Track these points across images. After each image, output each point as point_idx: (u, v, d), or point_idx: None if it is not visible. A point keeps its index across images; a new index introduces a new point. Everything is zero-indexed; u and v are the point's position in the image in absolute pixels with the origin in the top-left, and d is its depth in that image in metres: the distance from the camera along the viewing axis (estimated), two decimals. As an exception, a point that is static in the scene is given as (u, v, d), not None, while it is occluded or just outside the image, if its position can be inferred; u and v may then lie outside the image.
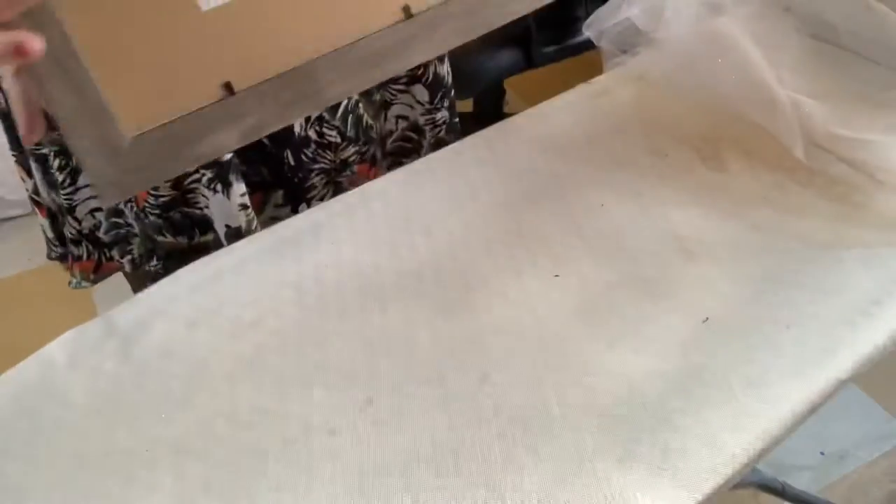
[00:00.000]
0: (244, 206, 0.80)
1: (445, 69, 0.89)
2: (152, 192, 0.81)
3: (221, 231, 0.82)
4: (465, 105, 1.82)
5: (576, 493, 0.52)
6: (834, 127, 0.85)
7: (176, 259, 0.85)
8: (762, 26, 0.98)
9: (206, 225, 0.84)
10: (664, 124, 0.78)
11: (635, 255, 0.70)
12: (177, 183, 0.81)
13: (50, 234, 0.92)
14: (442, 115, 0.89)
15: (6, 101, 0.81)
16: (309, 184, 0.84)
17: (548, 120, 0.88)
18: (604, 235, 0.71)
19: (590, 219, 0.72)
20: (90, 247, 0.91)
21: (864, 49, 0.98)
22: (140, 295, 0.69)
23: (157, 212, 0.81)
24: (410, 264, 0.68)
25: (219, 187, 0.80)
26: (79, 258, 0.92)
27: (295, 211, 0.86)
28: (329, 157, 0.84)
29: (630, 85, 0.97)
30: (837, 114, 0.86)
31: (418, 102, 0.88)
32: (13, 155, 0.88)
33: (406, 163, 0.85)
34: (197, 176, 0.81)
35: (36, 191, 0.89)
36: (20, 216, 1.87)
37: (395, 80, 0.88)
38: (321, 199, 0.86)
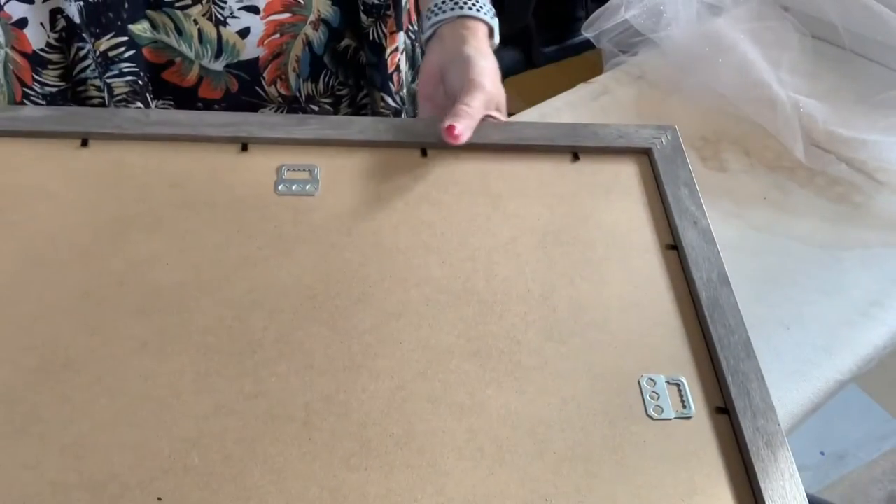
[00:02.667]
0: None
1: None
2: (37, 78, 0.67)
3: None
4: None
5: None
6: (834, 127, 0.85)
7: None
8: (762, 26, 0.98)
9: None
10: (664, 123, 0.79)
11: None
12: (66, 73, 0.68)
13: None
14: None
15: None
16: None
17: (548, 120, 0.88)
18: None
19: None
20: None
21: (864, 49, 0.98)
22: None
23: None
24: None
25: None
26: None
27: None
28: None
29: (630, 85, 0.97)
30: (837, 114, 0.86)
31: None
32: None
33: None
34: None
35: None
36: None
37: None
38: None
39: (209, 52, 0.69)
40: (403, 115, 0.82)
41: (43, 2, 0.64)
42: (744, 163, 0.83)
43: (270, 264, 0.55)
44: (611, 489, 0.44)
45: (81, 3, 0.63)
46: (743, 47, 0.91)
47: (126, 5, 0.64)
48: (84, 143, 0.62)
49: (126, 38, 0.66)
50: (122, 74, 0.67)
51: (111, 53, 0.66)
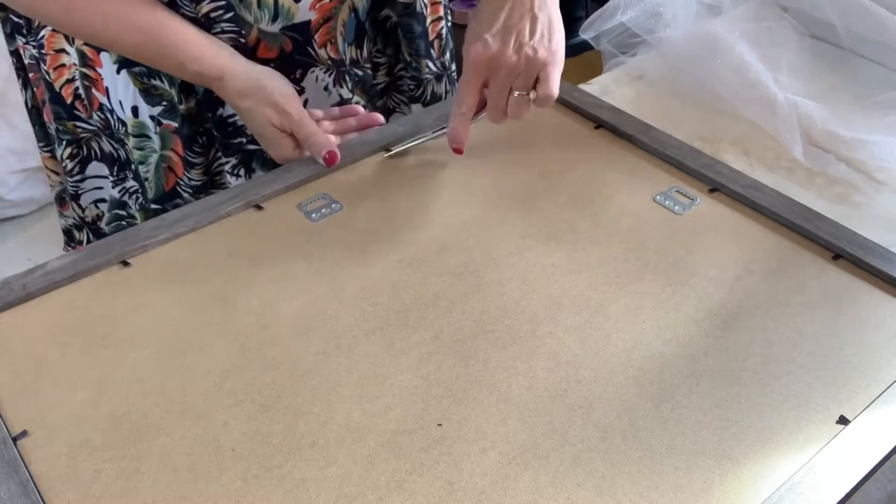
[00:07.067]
0: None
1: (444, 87, 0.90)
2: (187, 173, 0.82)
3: None
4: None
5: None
6: (833, 127, 0.85)
7: None
8: (760, 27, 0.98)
9: None
10: (664, 124, 0.79)
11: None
12: (207, 169, 0.82)
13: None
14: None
15: (33, 97, 0.85)
16: None
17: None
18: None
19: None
20: (90, 235, 0.91)
21: (863, 49, 0.98)
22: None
23: (189, 192, 0.83)
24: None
25: (241, 172, 0.82)
26: (79, 242, 0.92)
27: None
28: None
29: (630, 85, 0.97)
30: (836, 114, 0.86)
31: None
32: (43, 151, 0.89)
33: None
34: (222, 161, 0.82)
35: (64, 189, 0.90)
36: (20, 216, 1.86)
37: (398, 90, 0.90)
38: None
39: (266, 16, 0.75)
40: (444, 78, 0.91)
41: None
42: (743, 163, 0.83)
43: (391, 257, 0.65)
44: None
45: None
46: (741, 48, 0.91)
47: None
48: (125, 264, 0.65)
49: (224, 2, 0.73)
50: (224, 32, 0.74)
51: (213, 14, 0.73)
